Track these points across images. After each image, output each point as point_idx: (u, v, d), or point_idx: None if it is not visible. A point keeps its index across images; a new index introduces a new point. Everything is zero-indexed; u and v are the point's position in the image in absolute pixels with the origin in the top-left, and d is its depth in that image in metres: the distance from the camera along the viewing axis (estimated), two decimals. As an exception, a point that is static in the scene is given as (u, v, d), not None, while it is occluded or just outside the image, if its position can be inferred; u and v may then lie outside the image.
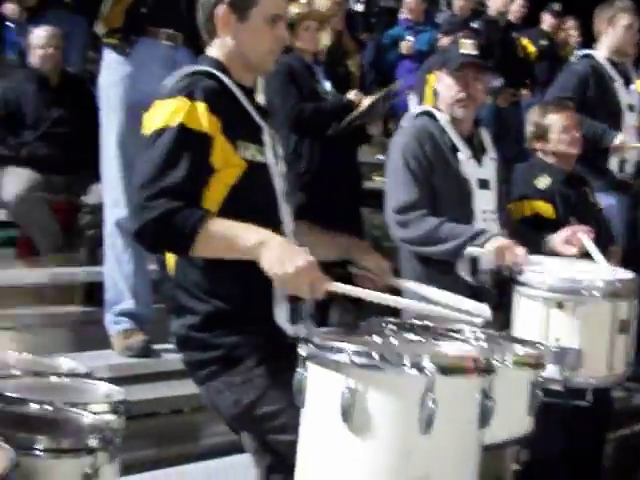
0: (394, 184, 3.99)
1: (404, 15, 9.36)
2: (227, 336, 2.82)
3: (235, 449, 3.76)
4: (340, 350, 2.25)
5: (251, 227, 2.68)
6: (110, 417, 2.46)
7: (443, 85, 4.10)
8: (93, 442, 2.26)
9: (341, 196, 5.59)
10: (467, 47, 4.08)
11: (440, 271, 3.88)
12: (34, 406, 2.42)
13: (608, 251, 4.46)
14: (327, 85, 5.79)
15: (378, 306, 2.79)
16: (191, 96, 2.79)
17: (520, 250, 3.70)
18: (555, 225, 4.12)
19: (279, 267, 2.59)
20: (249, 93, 2.98)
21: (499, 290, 3.85)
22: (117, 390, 2.65)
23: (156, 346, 4.68)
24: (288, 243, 2.72)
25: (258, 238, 2.65)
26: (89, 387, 2.68)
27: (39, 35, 6.02)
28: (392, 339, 2.59)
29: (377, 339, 2.56)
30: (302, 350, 2.33)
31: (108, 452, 2.29)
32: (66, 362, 2.91)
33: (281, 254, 2.61)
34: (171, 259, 2.91)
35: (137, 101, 4.17)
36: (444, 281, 3.82)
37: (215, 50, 2.97)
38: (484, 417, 2.32)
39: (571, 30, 10.22)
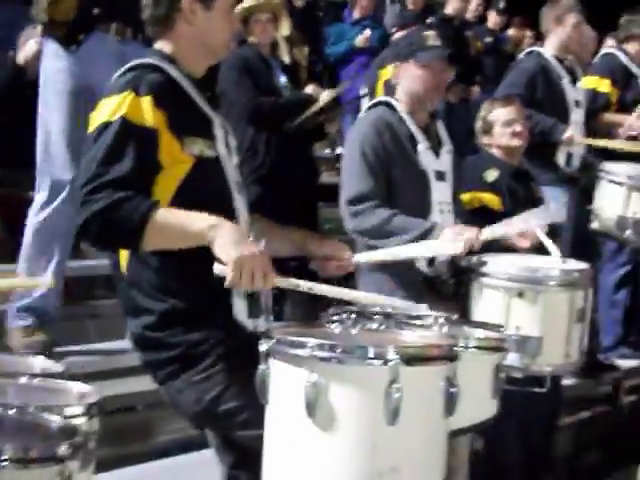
0: (349, 175, 3.97)
1: (351, 10, 9.36)
2: (184, 334, 2.78)
3: (191, 446, 3.74)
4: (301, 344, 2.23)
5: (201, 214, 2.65)
6: (82, 420, 2.34)
7: (409, 77, 4.04)
8: (63, 450, 2.09)
9: (297, 190, 5.58)
10: (434, 39, 4.06)
11: (396, 261, 3.84)
12: (-1, 410, 2.27)
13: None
14: (283, 79, 5.76)
15: (332, 298, 2.78)
16: (136, 90, 2.74)
17: (471, 232, 3.68)
18: (503, 217, 4.14)
19: (231, 249, 2.56)
20: (200, 85, 2.94)
21: (456, 280, 3.87)
22: (91, 390, 2.51)
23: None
24: (239, 228, 2.70)
25: (209, 223, 2.62)
26: (62, 388, 2.55)
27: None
28: (352, 330, 2.58)
29: (337, 330, 2.56)
30: (263, 345, 2.31)
31: (79, 459, 2.14)
32: (40, 361, 2.80)
33: (233, 237, 2.59)
34: (124, 258, 2.85)
35: (82, 90, 4.14)
36: (400, 271, 3.84)
37: (165, 43, 2.93)
38: (450, 405, 2.32)
39: (526, 29, 10.34)
